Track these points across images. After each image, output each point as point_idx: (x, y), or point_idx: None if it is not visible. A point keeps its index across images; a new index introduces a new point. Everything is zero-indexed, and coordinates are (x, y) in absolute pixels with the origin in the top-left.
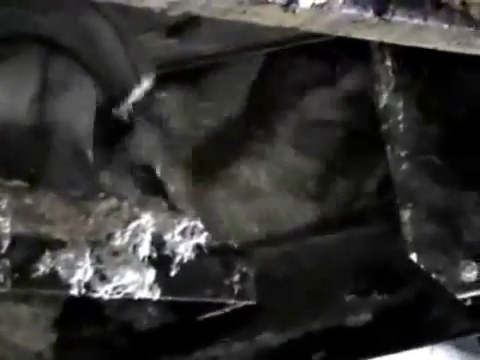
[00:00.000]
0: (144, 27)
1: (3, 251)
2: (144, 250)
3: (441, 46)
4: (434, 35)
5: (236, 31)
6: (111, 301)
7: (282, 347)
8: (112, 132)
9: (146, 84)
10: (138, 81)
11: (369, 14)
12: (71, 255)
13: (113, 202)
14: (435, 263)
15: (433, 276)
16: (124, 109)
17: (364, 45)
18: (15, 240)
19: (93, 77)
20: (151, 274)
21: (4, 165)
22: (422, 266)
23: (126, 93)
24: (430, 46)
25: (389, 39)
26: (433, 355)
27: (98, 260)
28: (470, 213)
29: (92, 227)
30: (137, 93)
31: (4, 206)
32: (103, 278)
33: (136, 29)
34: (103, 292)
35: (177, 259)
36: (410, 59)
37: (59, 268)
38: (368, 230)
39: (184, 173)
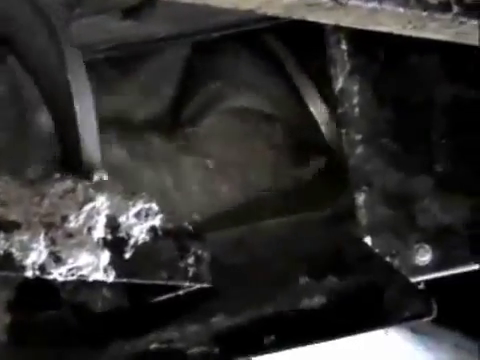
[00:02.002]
0: (99, 8)
1: None
2: (99, 232)
3: (396, 30)
4: (389, 19)
5: (193, 14)
6: (65, 283)
7: (235, 330)
8: None
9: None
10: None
11: None
12: (25, 237)
13: (68, 184)
14: (389, 246)
15: (387, 259)
16: None
17: None
18: None
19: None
20: (105, 256)
21: None
22: (376, 249)
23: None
24: (386, 29)
25: (345, 22)
26: (388, 338)
27: (53, 242)
28: (424, 197)
29: (47, 209)
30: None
31: None
32: (58, 260)
33: (91, 10)
34: (57, 274)
35: (132, 241)
36: (366, 42)
37: (13, 250)
38: (322, 213)
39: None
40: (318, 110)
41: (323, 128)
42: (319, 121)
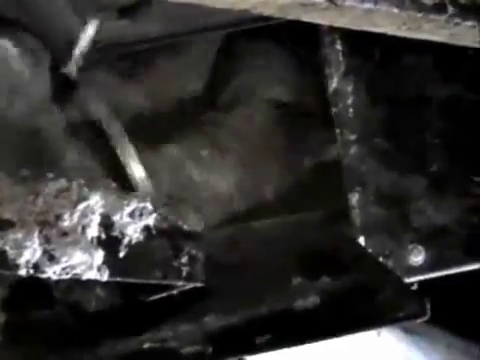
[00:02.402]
0: (95, 8)
1: None
2: (93, 231)
3: (391, 31)
4: (384, 20)
5: (189, 13)
6: (59, 282)
7: (229, 329)
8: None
9: (91, 30)
10: (83, 26)
11: None
12: (19, 235)
13: (62, 183)
14: (383, 247)
15: (381, 260)
16: (72, 66)
17: None
18: None
19: (35, 35)
20: (99, 255)
21: None
22: (370, 250)
23: (71, 43)
24: (380, 30)
25: (340, 23)
26: (380, 338)
27: (47, 240)
28: (418, 197)
29: (41, 207)
30: (83, 41)
31: None
32: (51, 258)
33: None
34: (51, 273)
35: (126, 240)
36: (360, 42)
37: (7, 248)
38: (316, 214)
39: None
40: None
41: None
42: None
